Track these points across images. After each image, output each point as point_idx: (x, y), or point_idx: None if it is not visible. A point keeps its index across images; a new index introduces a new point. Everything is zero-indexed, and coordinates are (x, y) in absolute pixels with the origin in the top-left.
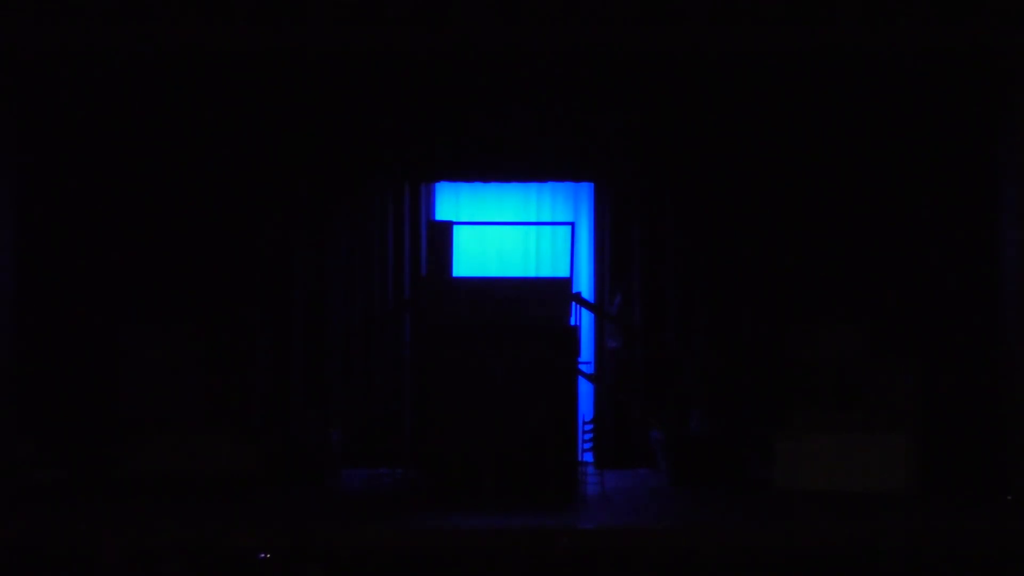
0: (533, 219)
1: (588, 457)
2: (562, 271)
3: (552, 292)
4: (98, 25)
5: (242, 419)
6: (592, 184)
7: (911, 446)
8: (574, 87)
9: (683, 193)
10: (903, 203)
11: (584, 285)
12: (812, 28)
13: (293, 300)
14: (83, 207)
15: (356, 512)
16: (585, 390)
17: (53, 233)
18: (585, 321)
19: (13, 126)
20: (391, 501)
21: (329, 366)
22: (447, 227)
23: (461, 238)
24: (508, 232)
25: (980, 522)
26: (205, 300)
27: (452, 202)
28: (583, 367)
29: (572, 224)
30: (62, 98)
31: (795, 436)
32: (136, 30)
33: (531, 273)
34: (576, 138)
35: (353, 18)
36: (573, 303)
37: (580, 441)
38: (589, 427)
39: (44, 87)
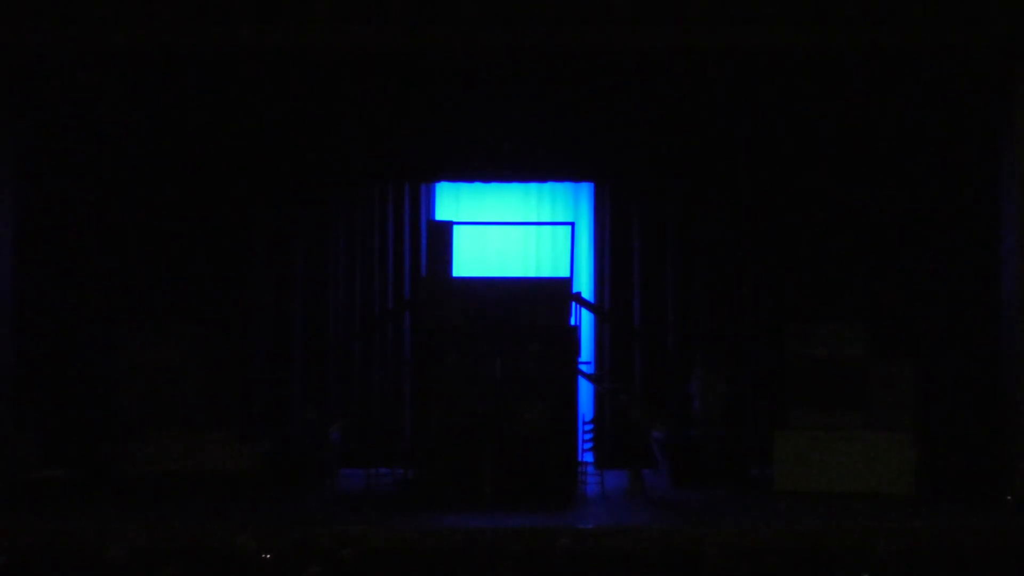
0: (533, 219)
1: (588, 457)
2: (562, 271)
3: (552, 292)
4: (97, 27)
5: (242, 419)
6: (592, 184)
7: (911, 446)
8: (574, 87)
9: (683, 193)
10: (904, 204)
11: (584, 285)
12: (813, 29)
13: (293, 300)
14: (83, 208)
15: (356, 512)
16: (585, 390)
17: (53, 234)
18: (585, 321)
19: (13, 128)
20: (391, 501)
21: (329, 366)
22: (447, 227)
23: (461, 238)
24: (508, 232)
25: (980, 522)
26: (204, 301)
27: (452, 202)
28: (583, 367)
29: (572, 224)
30: (61, 100)
31: (795, 436)
32: (136, 31)
33: (531, 273)
34: (576, 138)
35: (354, 18)
36: (573, 303)
37: (580, 441)
38: (589, 427)
39: (42, 90)
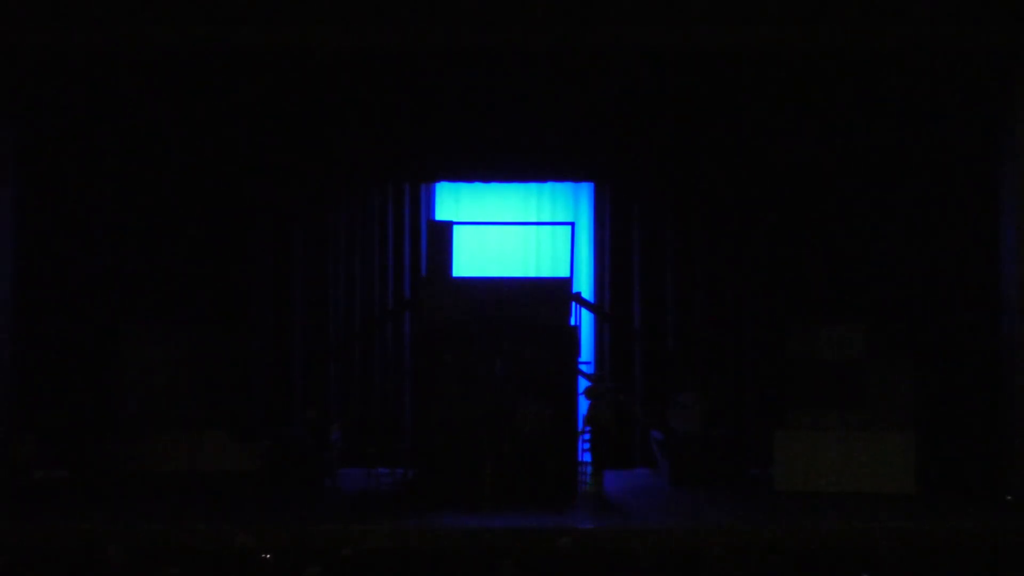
0: (533, 219)
1: (587, 457)
2: (562, 271)
3: (552, 292)
4: (96, 28)
5: (242, 419)
6: (592, 184)
7: (911, 446)
8: (574, 87)
9: (683, 193)
10: (904, 204)
11: (584, 285)
12: (813, 29)
13: (293, 300)
14: (83, 209)
15: (356, 512)
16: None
17: (53, 234)
18: (585, 321)
19: (14, 129)
20: (391, 501)
21: (329, 366)
22: (447, 227)
23: (461, 238)
24: (508, 232)
25: (980, 522)
26: (205, 300)
27: (452, 202)
28: (583, 367)
29: (572, 224)
30: (62, 101)
31: (795, 436)
32: (136, 31)
33: (531, 273)
34: (576, 138)
35: (354, 18)
36: (573, 303)
37: (580, 441)
38: (589, 427)
39: (43, 91)
